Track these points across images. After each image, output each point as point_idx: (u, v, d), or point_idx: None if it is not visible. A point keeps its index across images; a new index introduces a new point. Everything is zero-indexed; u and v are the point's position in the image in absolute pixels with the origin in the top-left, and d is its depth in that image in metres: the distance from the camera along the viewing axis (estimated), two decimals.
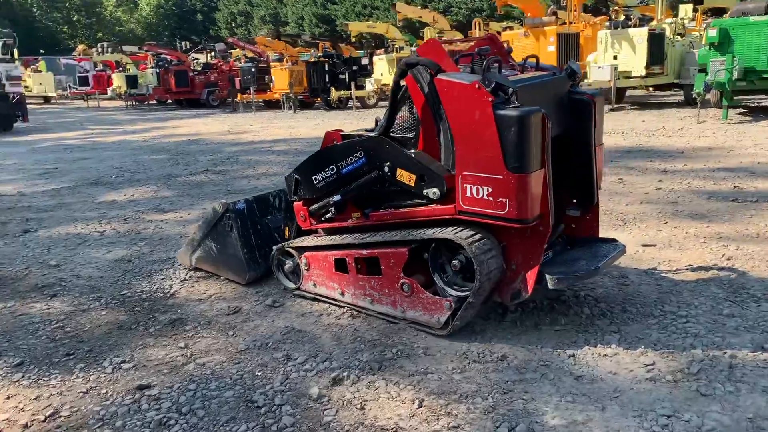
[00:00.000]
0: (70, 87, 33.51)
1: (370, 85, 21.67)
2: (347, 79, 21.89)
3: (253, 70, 23.81)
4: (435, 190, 3.78)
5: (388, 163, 3.95)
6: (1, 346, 4.03)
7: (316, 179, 4.35)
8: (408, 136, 4.00)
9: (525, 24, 18.56)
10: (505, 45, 4.41)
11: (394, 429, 2.97)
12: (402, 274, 3.93)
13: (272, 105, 24.87)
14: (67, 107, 30.66)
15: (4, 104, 18.91)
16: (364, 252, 4.12)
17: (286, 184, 4.62)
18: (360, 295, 4.19)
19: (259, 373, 3.53)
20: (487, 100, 3.43)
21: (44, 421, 3.18)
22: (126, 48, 33.26)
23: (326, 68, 22.50)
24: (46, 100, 33.20)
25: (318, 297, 4.46)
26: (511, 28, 20.71)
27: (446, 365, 3.51)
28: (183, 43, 38.37)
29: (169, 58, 28.12)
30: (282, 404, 3.19)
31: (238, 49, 30.87)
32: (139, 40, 44.24)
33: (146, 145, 14.37)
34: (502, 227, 3.63)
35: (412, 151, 3.91)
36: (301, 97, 23.38)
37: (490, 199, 3.55)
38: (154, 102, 29.18)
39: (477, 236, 3.65)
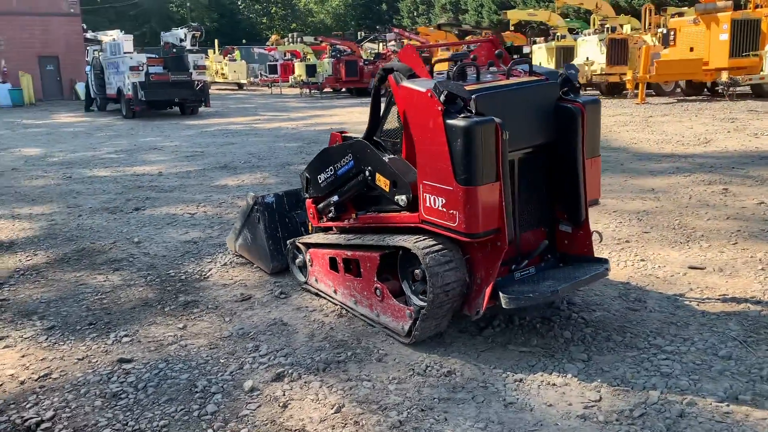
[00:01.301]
0: (261, 75, 36.33)
1: None
2: None
3: None
4: (403, 197, 3.77)
5: (369, 168, 3.99)
6: (49, 310, 4.67)
7: (320, 179, 4.49)
8: (395, 140, 4.01)
9: (696, 9, 16.91)
10: (513, 46, 4.21)
11: (299, 431, 3.06)
12: (375, 279, 3.97)
13: None
14: (254, 93, 33.31)
15: (191, 91, 21.03)
16: (349, 253, 4.20)
17: (300, 181, 4.81)
18: (347, 295, 4.29)
19: (222, 361, 3.79)
20: (437, 109, 3.35)
21: (36, 380, 3.68)
22: (306, 39, 35.39)
23: None
24: (239, 86, 36.32)
25: (319, 292, 4.61)
26: (681, 14, 18.98)
27: (389, 374, 3.51)
28: (359, 33, 39.91)
29: (341, 48, 29.48)
30: (216, 393, 3.41)
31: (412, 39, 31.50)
32: (329, 30, 46.84)
33: (291, 133, 15.27)
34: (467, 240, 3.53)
35: (388, 156, 3.92)
36: None
37: (444, 210, 3.47)
38: (329, 90, 30.74)
39: (436, 247, 3.58)
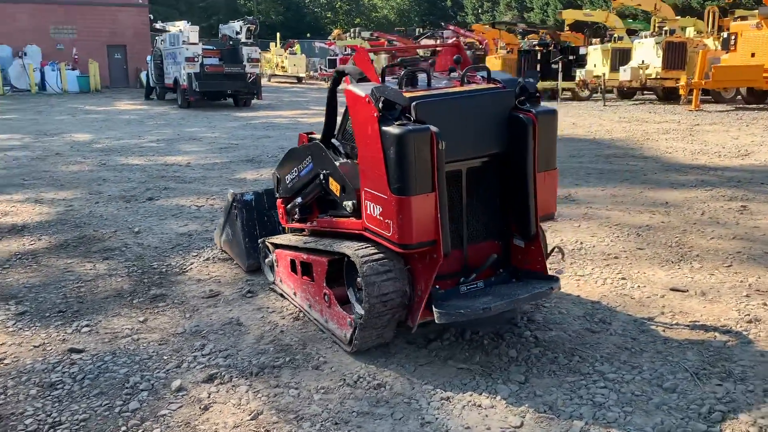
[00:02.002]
0: (320, 69, 36.64)
1: (580, 76, 20.43)
2: (559, 69, 20.88)
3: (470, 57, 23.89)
4: (350, 203, 3.71)
5: (324, 171, 3.94)
6: (28, 296, 4.82)
7: (287, 179, 4.47)
8: (353, 144, 3.93)
9: (759, 13, 16.00)
10: (477, 50, 4.06)
11: None
12: (324, 284, 3.91)
13: None
14: (311, 87, 33.63)
15: (244, 83, 21.40)
16: (304, 256, 4.16)
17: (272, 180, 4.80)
18: (304, 298, 4.25)
19: (165, 357, 3.81)
20: (373, 115, 3.27)
21: None
22: (364, 34, 35.43)
23: (538, 57, 21.68)
24: (298, 80, 36.74)
25: (283, 293, 4.59)
26: (745, 18, 17.98)
27: (319, 383, 3.46)
28: (417, 30, 39.69)
29: (397, 44, 29.37)
30: (144, 390, 3.44)
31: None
32: (392, 26, 46.85)
33: None
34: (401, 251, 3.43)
35: (340, 161, 3.85)
36: None
37: (381, 219, 3.39)
38: None
39: (376, 256, 3.50)
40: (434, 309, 3.35)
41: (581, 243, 5.67)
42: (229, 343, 3.96)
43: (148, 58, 25.22)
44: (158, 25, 31.10)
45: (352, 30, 40.16)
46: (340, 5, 49.11)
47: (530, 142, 3.51)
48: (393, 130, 3.19)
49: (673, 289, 4.56)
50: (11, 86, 26.55)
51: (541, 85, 21.75)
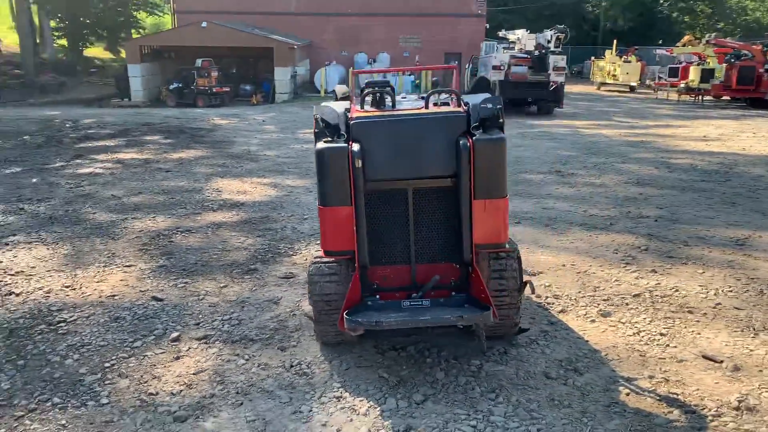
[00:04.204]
0: (657, 78, 34.30)
1: None
2: None
3: None
4: None
5: None
6: (179, 254, 6.23)
7: None
8: None
9: None
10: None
11: (158, 382, 3.87)
12: None
13: None
14: (638, 98, 31.71)
15: (545, 91, 21.59)
16: None
17: None
18: None
19: (199, 316, 4.75)
20: (314, 131, 3.68)
21: (95, 298, 5.20)
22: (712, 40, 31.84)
23: None
24: (631, 89, 34.97)
25: None
26: None
27: (265, 360, 4.04)
28: None
29: (743, 51, 25.94)
30: (156, 335, 4.41)
31: None
32: (763, 31, 41.09)
33: (594, 141, 14.61)
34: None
35: None
36: None
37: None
38: (714, 99, 27.55)
39: (326, 259, 3.89)
40: (345, 316, 3.60)
41: (676, 289, 5.00)
42: (250, 316, 4.71)
43: (467, 66, 26.86)
44: (501, 33, 32.74)
45: (708, 35, 36.53)
46: (701, 9, 44.89)
47: (466, 168, 3.51)
48: (318, 145, 3.57)
49: (704, 357, 3.90)
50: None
51: None
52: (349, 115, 3.73)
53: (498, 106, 3.63)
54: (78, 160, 11.94)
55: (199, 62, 25.13)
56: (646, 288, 5.06)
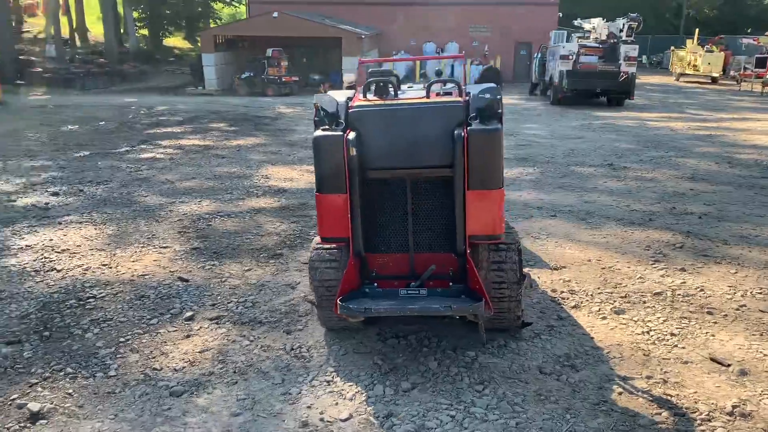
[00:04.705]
0: (743, 68, 32.62)
1: None
2: None
3: None
4: None
5: None
6: (214, 238, 6.45)
7: None
8: None
9: None
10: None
11: (169, 350, 4.06)
12: None
13: None
14: (720, 89, 30.26)
15: (615, 82, 20.93)
16: None
17: None
18: None
19: (218, 297, 4.92)
20: (314, 119, 3.74)
21: (125, 275, 5.46)
22: None
23: None
24: (713, 80, 33.39)
25: None
26: None
27: (268, 343, 4.17)
28: None
29: None
30: (172, 314, 4.60)
31: None
32: None
33: (659, 134, 14.06)
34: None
35: None
36: None
37: None
38: None
39: (327, 246, 3.97)
40: (338, 302, 3.66)
41: (701, 289, 4.81)
42: (265, 299, 4.85)
43: (536, 55, 26.31)
44: (576, 22, 31.91)
45: None
46: None
47: (460, 158, 3.49)
48: (315, 133, 3.63)
49: (712, 359, 3.75)
50: (427, 78, 30.77)
51: None
52: (350, 104, 3.77)
53: (497, 96, 3.59)
54: (143, 146, 12.47)
55: (269, 52, 25.66)
56: (669, 287, 4.89)
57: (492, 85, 3.77)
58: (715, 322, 4.27)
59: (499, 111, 3.60)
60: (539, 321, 4.33)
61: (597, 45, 23.25)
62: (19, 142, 12.85)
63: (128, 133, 14.34)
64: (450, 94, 3.89)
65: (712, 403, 3.31)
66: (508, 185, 8.57)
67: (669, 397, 3.37)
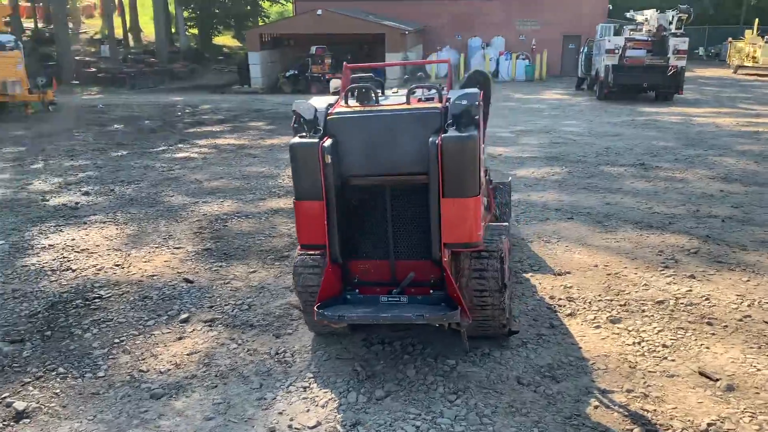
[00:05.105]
0: None
1: None
2: None
3: None
4: None
5: None
6: (227, 239, 6.56)
7: None
8: None
9: None
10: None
11: (160, 352, 4.16)
12: None
13: None
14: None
15: (662, 76, 20.29)
16: None
17: None
18: None
19: (217, 299, 5.00)
20: (293, 125, 3.76)
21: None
22: None
23: None
24: None
25: None
26: None
27: (256, 347, 4.21)
28: None
29: None
30: (170, 316, 4.70)
31: None
32: None
33: (706, 131, 13.53)
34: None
35: None
36: None
37: None
38: None
39: (311, 252, 3.99)
40: (315, 309, 3.67)
41: (707, 298, 4.63)
42: (262, 302, 4.91)
43: (582, 49, 25.74)
44: (628, 14, 31.10)
45: None
46: None
47: (434, 166, 3.45)
48: (291, 140, 3.65)
49: (701, 373, 3.61)
50: None
51: None
52: (329, 111, 3.77)
53: (474, 102, 3.53)
54: (180, 145, 12.77)
55: (313, 49, 25.89)
56: (674, 294, 4.72)
57: (472, 90, 3.71)
58: (713, 334, 4.11)
59: (477, 117, 3.54)
60: (530, 329, 4.25)
61: (645, 38, 22.63)
62: (65, 141, 13.33)
63: (169, 132, 14.71)
64: (432, 99, 3.85)
65: (689, 420, 3.19)
66: (531, 186, 8.45)
67: (645, 413, 3.26)
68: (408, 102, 3.78)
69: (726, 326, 4.20)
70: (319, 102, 3.87)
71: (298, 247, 4.01)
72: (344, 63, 4.39)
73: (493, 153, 11.31)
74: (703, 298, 4.65)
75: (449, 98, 3.72)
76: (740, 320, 4.29)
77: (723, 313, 4.40)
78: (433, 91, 3.93)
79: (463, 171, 3.47)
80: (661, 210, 7.07)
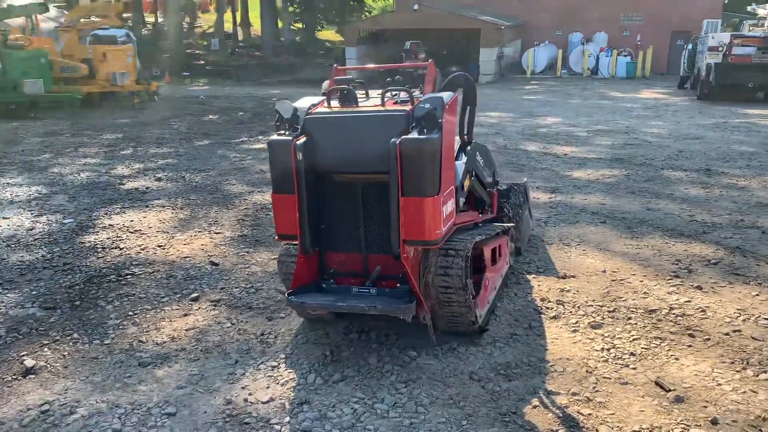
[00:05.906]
0: None
1: None
2: None
3: None
4: None
5: None
6: (256, 225, 6.98)
7: None
8: None
9: None
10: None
11: (162, 327, 4.60)
12: None
13: None
14: None
15: None
16: None
17: None
18: None
19: (231, 281, 5.40)
20: (275, 124, 4.05)
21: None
22: None
23: None
24: None
25: None
26: None
27: (248, 327, 4.56)
28: None
29: None
30: (183, 294, 5.14)
31: None
32: None
33: None
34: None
35: None
36: None
37: None
38: None
39: (296, 242, 4.27)
40: (288, 296, 3.94)
41: (703, 310, 4.51)
42: (270, 286, 5.26)
43: (686, 45, 24.47)
44: (750, 8, 29.27)
45: None
46: None
47: (394, 166, 3.63)
48: (270, 137, 3.95)
49: (656, 383, 3.58)
50: (569, 69, 29.62)
51: None
52: (310, 111, 4.02)
53: (438, 106, 3.67)
54: (260, 136, 13.44)
55: (407, 44, 26.13)
56: (669, 305, 4.63)
57: (439, 94, 3.85)
58: (690, 345, 4.02)
59: (440, 120, 3.68)
60: (507, 328, 4.34)
61: (757, 35, 21.32)
62: (158, 129, 14.37)
63: (256, 124, 15.48)
64: (407, 102, 4.01)
65: (618, 427, 3.20)
66: (580, 188, 8.33)
67: (578, 416, 3.30)
68: (383, 104, 3.97)
69: (708, 339, 4.10)
70: (304, 102, 4.13)
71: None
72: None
73: (558, 153, 11.18)
74: (699, 310, 4.53)
75: (419, 99, 3.88)
76: (726, 334, 4.16)
77: (712, 326, 4.29)
78: (406, 94, 4.06)
79: (421, 172, 3.62)
80: (702, 218, 6.81)
